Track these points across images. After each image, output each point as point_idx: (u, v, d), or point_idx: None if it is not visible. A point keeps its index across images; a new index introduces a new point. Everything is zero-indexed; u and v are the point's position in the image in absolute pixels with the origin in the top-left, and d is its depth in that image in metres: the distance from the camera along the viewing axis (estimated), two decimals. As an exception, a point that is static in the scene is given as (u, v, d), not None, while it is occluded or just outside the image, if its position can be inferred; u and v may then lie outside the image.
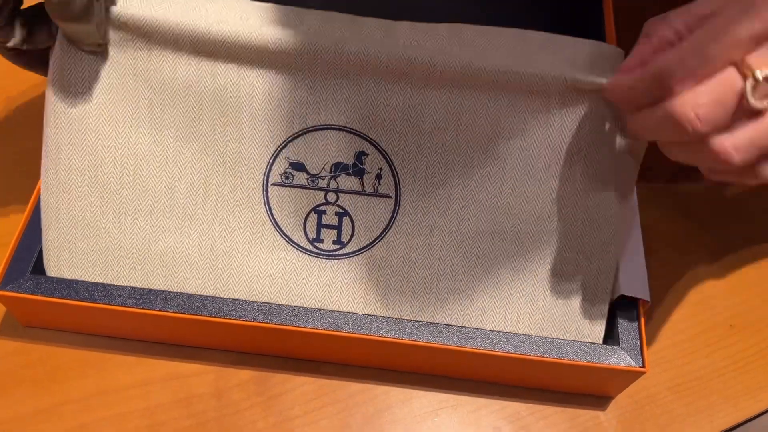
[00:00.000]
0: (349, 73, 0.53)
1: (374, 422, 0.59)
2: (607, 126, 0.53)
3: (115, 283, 0.57)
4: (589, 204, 0.55)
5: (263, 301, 0.57)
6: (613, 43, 0.65)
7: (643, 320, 0.57)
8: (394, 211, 0.57)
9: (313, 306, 0.57)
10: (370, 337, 0.55)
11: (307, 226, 0.57)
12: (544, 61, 0.52)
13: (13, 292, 0.55)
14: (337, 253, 0.57)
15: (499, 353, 0.55)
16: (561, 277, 0.57)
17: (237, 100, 0.54)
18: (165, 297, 0.56)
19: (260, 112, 0.54)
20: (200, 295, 0.56)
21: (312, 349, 0.59)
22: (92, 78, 0.53)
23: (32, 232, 0.58)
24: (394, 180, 0.56)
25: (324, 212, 0.57)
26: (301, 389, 0.60)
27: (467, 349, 0.55)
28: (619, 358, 0.55)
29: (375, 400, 0.60)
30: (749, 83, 0.41)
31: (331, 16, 0.53)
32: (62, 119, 0.54)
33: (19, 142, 0.71)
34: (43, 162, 0.56)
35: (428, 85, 0.53)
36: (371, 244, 0.57)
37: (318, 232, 0.57)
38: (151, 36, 0.52)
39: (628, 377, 0.56)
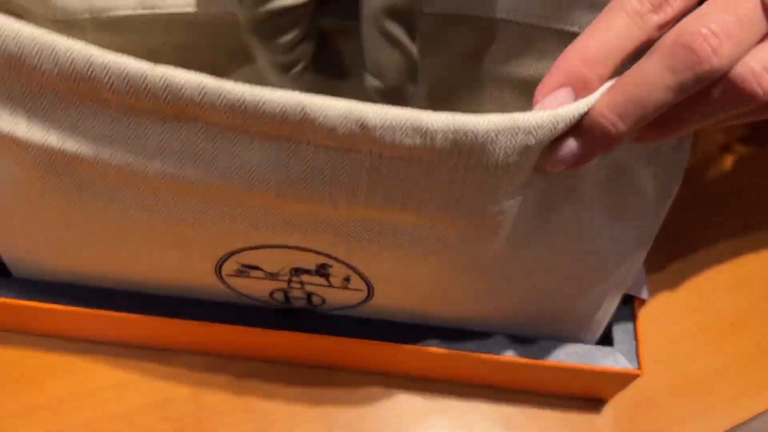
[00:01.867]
0: (318, 214, 0.42)
1: (359, 426, 0.58)
2: None
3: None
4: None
5: None
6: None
7: (639, 320, 0.55)
8: (367, 298, 0.51)
9: None
10: (355, 340, 0.54)
11: (274, 296, 0.52)
12: None
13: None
14: (309, 309, 0.55)
15: (490, 356, 0.53)
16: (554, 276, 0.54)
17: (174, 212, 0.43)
18: (142, 301, 0.54)
19: (204, 230, 0.44)
20: (178, 297, 0.54)
21: (294, 352, 0.58)
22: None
23: None
24: (365, 283, 0.49)
25: (290, 291, 0.51)
26: (283, 393, 0.59)
27: (456, 352, 0.53)
28: (614, 361, 0.53)
29: (360, 403, 0.59)
30: None
31: None
32: None
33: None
34: None
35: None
36: (346, 308, 0.54)
37: (287, 301, 0.53)
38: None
39: (623, 380, 0.55)
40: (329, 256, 0.46)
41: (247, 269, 0.48)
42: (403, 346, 0.53)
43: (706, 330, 0.63)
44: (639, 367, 0.53)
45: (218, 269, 0.49)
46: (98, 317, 0.54)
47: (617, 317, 0.55)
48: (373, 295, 0.51)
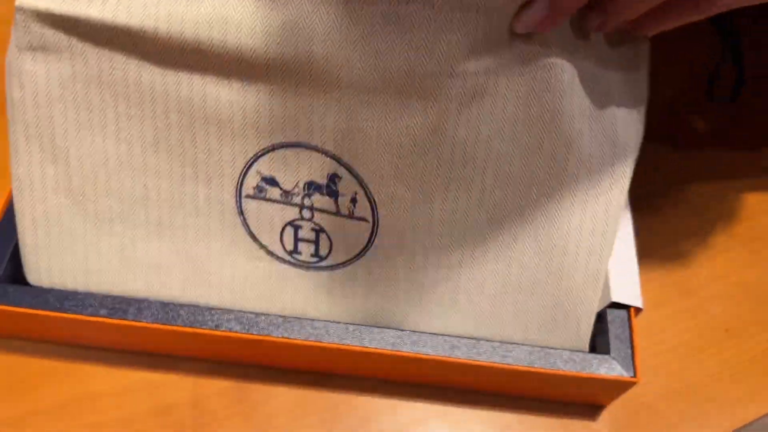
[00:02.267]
0: (322, 89, 0.48)
1: (359, 432, 0.58)
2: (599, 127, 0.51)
3: (98, 287, 0.55)
4: (581, 209, 0.53)
5: (244, 306, 0.56)
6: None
7: (635, 328, 0.55)
8: (372, 234, 0.53)
9: (294, 313, 0.55)
10: (352, 347, 0.54)
11: (284, 238, 0.55)
12: None
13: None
14: (315, 264, 0.55)
15: (486, 363, 0.53)
16: (547, 283, 0.55)
17: (203, 111, 0.50)
18: (139, 307, 0.54)
19: (227, 124, 0.50)
20: (175, 304, 0.55)
21: (292, 359, 0.58)
22: (57, 88, 0.51)
23: (1, 239, 0.57)
24: (371, 205, 0.52)
25: (300, 227, 0.54)
26: (283, 398, 0.59)
27: (453, 359, 0.53)
28: (610, 368, 0.53)
29: (359, 409, 0.59)
30: None
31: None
32: (29, 131, 0.52)
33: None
34: (12, 172, 0.54)
35: (407, 103, 0.47)
36: (350, 261, 0.55)
37: (295, 245, 0.55)
38: (114, 42, 0.48)
39: (619, 387, 0.55)
40: (339, 161, 0.50)
41: (265, 185, 0.53)
42: (398, 354, 0.54)
43: (700, 337, 0.63)
44: (635, 374, 0.53)
45: (239, 186, 0.53)
46: (98, 325, 0.54)
47: (613, 324, 0.55)
48: (377, 231, 0.53)
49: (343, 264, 0.55)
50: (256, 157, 0.51)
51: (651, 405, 0.60)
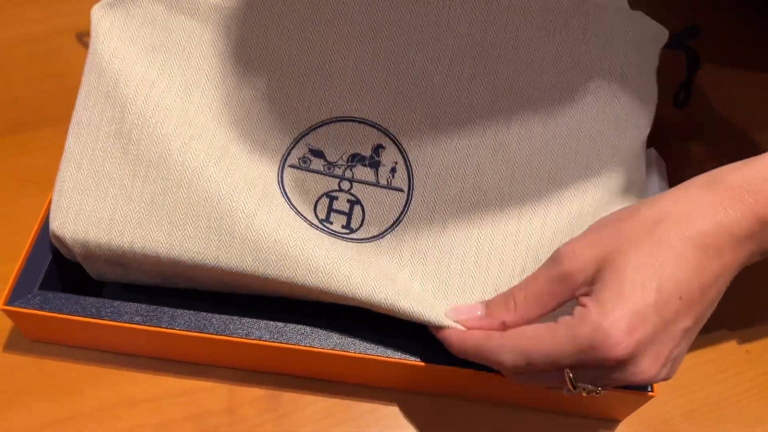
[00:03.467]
0: (376, 68, 0.58)
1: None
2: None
3: (119, 240, 0.55)
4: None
5: (265, 268, 0.54)
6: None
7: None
8: (405, 205, 0.57)
9: (315, 284, 0.54)
10: (378, 357, 0.55)
11: (317, 207, 0.57)
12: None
13: (20, 307, 0.56)
14: (345, 236, 0.57)
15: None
16: None
17: (268, 80, 0.57)
18: (172, 314, 0.56)
19: (287, 97, 0.58)
20: (206, 313, 0.56)
21: (319, 368, 0.59)
22: (131, 35, 0.58)
23: (41, 248, 0.58)
24: (408, 175, 0.57)
25: (336, 198, 0.57)
26: (313, 407, 0.60)
27: (472, 371, 0.54)
28: (628, 383, 0.54)
29: (386, 419, 0.60)
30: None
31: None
32: (99, 72, 0.57)
33: (30, 156, 0.72)
34: (75, 113, 0.58)
35: (447, 85, 0.58)
36: (380, 234, 0.57)
37: (328, 215, 0.57)
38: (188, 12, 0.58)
39: (636, 401, 0.56)
40: (386, 132, 0.58)
41: (311, 156, 0.58)
42: (419, 364, 0.55)
43: (720, 356, 0.64)
44: (652, 389, 0.54)
45: (285, 156, 0.58)
46: (132, 331, 0.56)
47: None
48: (411, 201, 0.57)
49: (372, 238, 0.57)
50: (309, 130, 0.57)
51: (668, 421, 0.60)
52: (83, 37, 0.81)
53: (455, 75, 0.58)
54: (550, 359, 0.47)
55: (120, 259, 0.56)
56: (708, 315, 0.49)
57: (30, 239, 0.59)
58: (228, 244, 0.54)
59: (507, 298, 0.51)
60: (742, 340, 0.64)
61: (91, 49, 0.58)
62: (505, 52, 0.58)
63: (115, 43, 0.58)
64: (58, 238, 0.56)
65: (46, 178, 0.67)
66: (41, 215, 0.60)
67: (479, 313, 0.52)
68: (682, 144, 0.75)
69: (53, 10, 0.84)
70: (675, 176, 0.59)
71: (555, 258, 0.49)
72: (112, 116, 0.56)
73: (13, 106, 0.76)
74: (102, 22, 0.58)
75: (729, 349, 0.64)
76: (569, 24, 0.58)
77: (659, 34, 0.62)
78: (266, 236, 0.54)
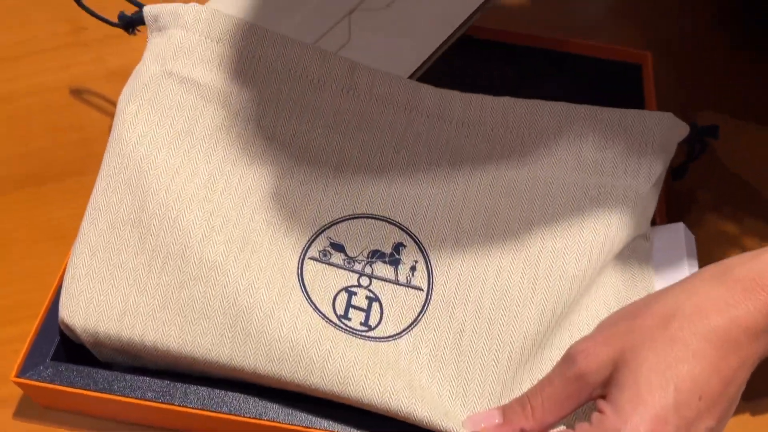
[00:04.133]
0: (401, 170, 0.60)
1: None
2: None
3: (129, 332, 0.54)
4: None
5: (281, 368, 0.53)
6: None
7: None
8: (424, 305, 0.56)
9: (333, 383, 0.53)
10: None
11: (336, 302, 0.56)
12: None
13: (32, 380, 0.55)
14: (363, 334, 0.56)
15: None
16: None
17: (294, 174, 0.59)
18: (185, 391, 0.55)
19: (311, 191, 0.59)
20: (220, 390, 0.55)
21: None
22: (158, 120, 0.58)
23: (54, 315, 0.58)
24: (428, 274, 0.57)
25: (355, 293, 0.57)
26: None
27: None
28: None
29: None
30: None
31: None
32: (122, 159, 0.57)
33: (49, 208, 0.72)
34: (93, 197, 0.57)
35: (469, 189, 0.60)
36: (399, 334, 0.56)
37: (346, 311, 0.56)
38: (209, 90, 0.60)
39: None
40: (407, 231, 0.59)
41: (331, 249, 0.58)
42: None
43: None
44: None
45: (306, 248, 0.58)
46: (145, 407, 0.55)
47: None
48: (430, 301, 0.56)
49: (391, 338, 0.56)
50: (330, 225, 0.58)
51: None
52: (103, 86, 0.81)
53: (476, 180, 0.60)
54: None
55: (130, 350, 0.55)
56: (731, 412, 0.48)
57: (44, 307, 0.58)
58: (243, 342, 0.54)
59: (523, 403, 0.50)
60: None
61: (115, 134, 0.58)
62: (525, 161, 0.61)
63: (141, 128, 0.58)
64: (67, 326, 0.55)
65: (65, 233, 0.67)
66: (58, 276, 0.60)
67: (497, 421, 0.51)
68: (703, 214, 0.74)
69: (72, 59, 0.83)
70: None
71: (568, 358, 0.49)
72: (131, 204, 0.56)
73: (32, 157, 0.75)
74: (129, 106, 0.58)
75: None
76: (586, 133, 0.60)
77: (681, 129, 0.63)
78: (282, 337, 0.53)
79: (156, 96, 0.59)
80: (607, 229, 0.57)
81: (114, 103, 0.72)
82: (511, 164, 0.61)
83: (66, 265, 0.58)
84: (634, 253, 0.60)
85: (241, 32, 0.61)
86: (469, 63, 0.81)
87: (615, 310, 0.53)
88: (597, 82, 0.80)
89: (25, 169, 0.74)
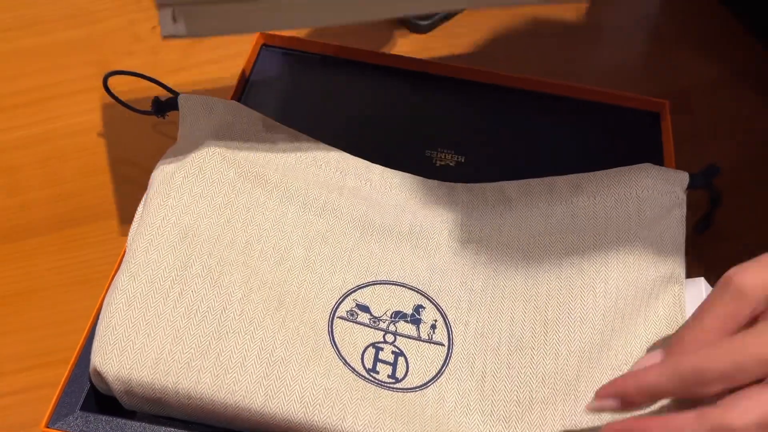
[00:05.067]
0: (417, 245, 0.67)
1: None
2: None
3: (163, 379, 0.55)
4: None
5: (313, 418, 0.54)
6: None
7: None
8: (446, 358, 0.60)
9: (366, 430, 0.55)
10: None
11: (364, 357, 0.59)
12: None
13: (61, 429, 0.56)
14: (391, 386, 0.58)
15: None
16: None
17: (323, 245, 0.65)
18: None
19: (337, 260, 0.64)
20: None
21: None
22: (201, 192, 0.64)
23: (85, 361, 0.58)
24: (447, 331, 0.61)
25: (381, 349, 0.60)
26: None
27: None
28: None
29: None
30: None
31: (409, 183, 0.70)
32: (168, 224, 0.61)
33: (82, 251, 0.73)
34: (132, 254, 0.60)
35: (478, 259, 0.66)
36: (425, 384, 0.59)
37: (374, 365, 0.59)
38: (247, 169, 0.66)
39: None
40: (425, 295, 0.64)
41: (357, 310, 0.62)
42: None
43: None
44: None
45: (335, 309, 0.62)
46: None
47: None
48: (452, 354, 0.61)
49: (417, 388, 0.59)
50: (356, 289, 0.62)
51: None
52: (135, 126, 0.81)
53: (484, 248, 0.67)
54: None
55: (161, 398, 0.56)
56: None
57: (75, 354, 0.59)
58: (277, 389, 0.55)
59: (681, 336, 0.51)
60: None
61: (159, 201, 0.62)
62: (530, 225, 0.68)
63: (187, 198, 0.63)
64: (98, 374, 0.56)
65: (98, 276, 0.68)
66: (89, 321, 0.60)
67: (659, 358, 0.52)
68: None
69: (101, 101, 0.84)
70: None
71: (722, 281, 0.49)
72: (173, 264, 0.59)
73: (65, 199, 0.76)
74: (175, 177, 0.64)
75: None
76: (596, 195, 0.67)
77: (681, 179, 0.67)
78: (317, 384, 0.55)
79: (201, 169, 0.64)
80: (606, 271, 0.62)
81: (143, 149, 0.75)
82: (512, 233, 0.67)
83: (97, 311, 0.59)
84: (664, 296, 0.60)
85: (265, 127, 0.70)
86: (486, 108, 0.82)
87: (648, 348, 0.57)
88: (614, 130, 0.81)
89: (57, 212, 0.75)
